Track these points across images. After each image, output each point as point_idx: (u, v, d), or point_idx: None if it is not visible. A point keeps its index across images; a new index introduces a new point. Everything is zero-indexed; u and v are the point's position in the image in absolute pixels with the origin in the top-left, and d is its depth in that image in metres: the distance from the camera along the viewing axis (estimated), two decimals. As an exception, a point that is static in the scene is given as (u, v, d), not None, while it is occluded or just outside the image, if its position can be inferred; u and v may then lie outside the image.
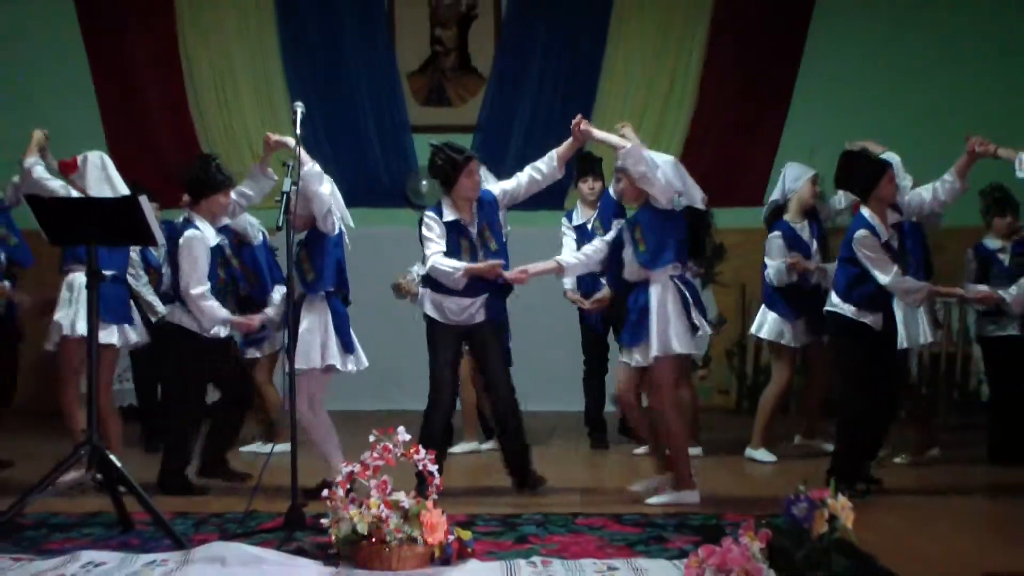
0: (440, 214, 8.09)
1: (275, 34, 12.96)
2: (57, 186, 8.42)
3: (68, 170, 8.38)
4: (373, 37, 13.03)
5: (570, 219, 10.00)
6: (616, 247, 7.99)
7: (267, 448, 9.63)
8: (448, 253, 7.98)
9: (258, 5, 12.97)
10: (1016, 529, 6.94)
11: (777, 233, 9.42)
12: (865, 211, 8.07)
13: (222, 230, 8.45)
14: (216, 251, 8.26)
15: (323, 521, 6.02)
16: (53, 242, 7.75)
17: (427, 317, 8.31)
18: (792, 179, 9.54)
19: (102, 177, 8.41)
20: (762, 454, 9.44)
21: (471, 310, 8.12)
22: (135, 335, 8.65)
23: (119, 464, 6.69)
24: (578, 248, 9.27)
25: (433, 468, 6.08)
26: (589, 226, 9.87)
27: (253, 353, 9.87)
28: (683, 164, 11.92)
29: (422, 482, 6.26)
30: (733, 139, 12.67)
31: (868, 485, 7.99)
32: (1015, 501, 7.92)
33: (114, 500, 6.79)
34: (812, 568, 5.68)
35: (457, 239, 8.06)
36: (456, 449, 9.87)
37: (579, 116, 8.02)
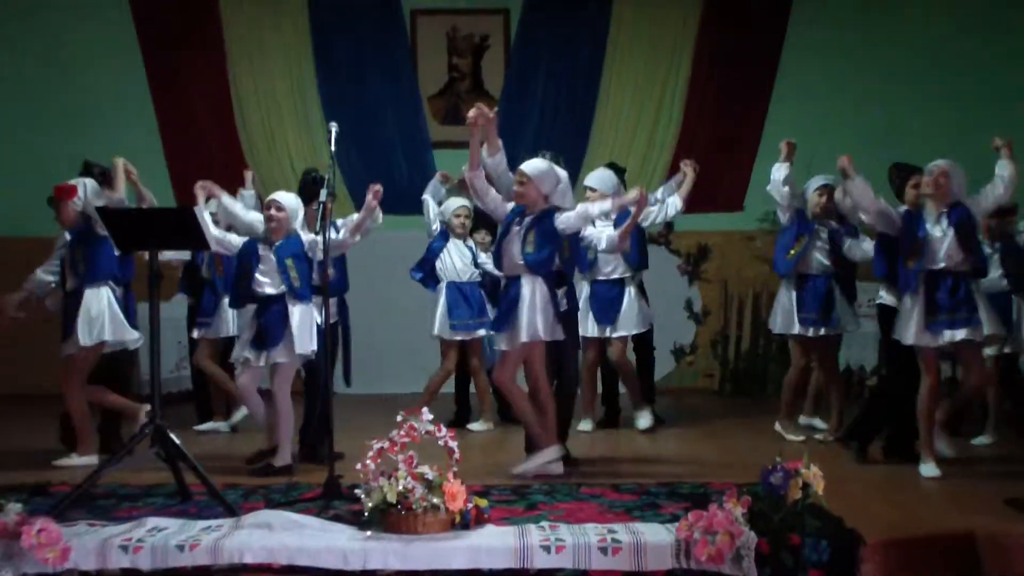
0: None
1: (312, 62, 12.99)
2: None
3: (67, 196, 8.33)
4: (398, 65, 13.06)
5: None
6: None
7: (225, 426, 9.81)
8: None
9: (297, 38, 13.02)
10: (970, 498, 6.95)
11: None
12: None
13: None
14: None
15: (357, 491, 6.04)
16: (121, 249, 7.78)
17: None
18: (808, 188, 9.42)
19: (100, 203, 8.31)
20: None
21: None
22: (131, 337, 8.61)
23: (179, 442, 6.75)
24: None
25: (453, 444, 6.10)
26: None
27: (197, 333, 9.79)
28: (670, 175, 12.09)
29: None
30: (715, 153, 12.63)
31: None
32: (972, 472, 7.94)
33: (174, 473, 6.85)
34: (787, 529, 5.71)
35: None
36: (473, 427, 9.92)
37: None
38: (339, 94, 12.71)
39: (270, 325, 7.86)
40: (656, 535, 5.79)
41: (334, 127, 7.35)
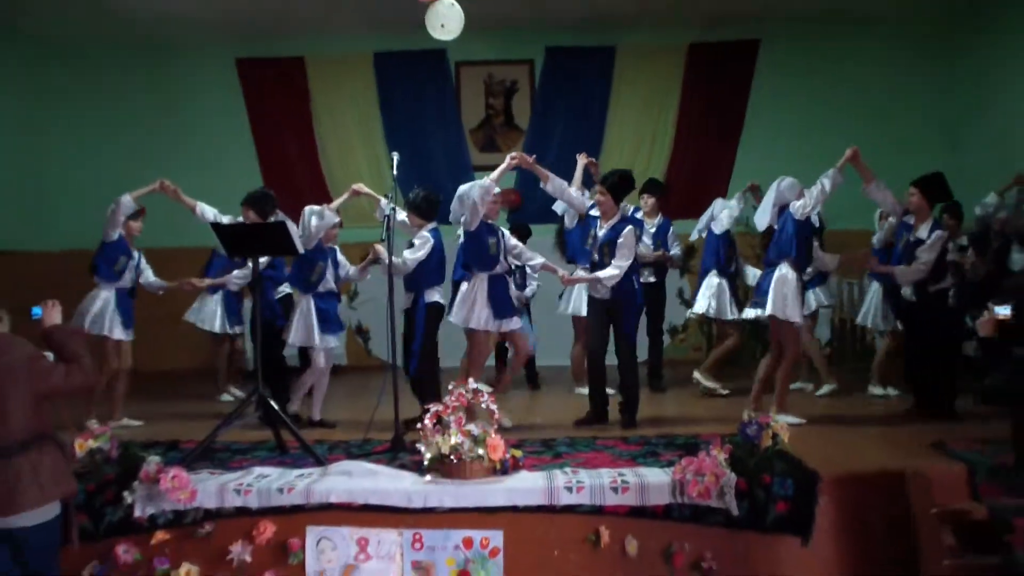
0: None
1: (377, 107, 13.01)
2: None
3: None
4: (445, 105, 13.08)
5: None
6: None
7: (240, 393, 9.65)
8: None
9: (366, 89, 13.07)
10: (903, 441, 6.92)
11: None
12: None
13: None
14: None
15: (418, 446, 6.09)
16: (231, 256, 7.86)
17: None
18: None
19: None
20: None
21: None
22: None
23: (277, 407, 6.79)
24: None
25: (494, 407, 6.10)
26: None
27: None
28: (666, 185, 12.06)
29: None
30: (699, 170, 12.63)
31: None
32: (904, 420, 7.91)
33: (274, 432, 6.91)
34: (760, 471, 5.75)
35: None
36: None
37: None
38: (399, 129, 12.72)
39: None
40: (656, 477, 5.83)
41: (396, 156, 7.40)
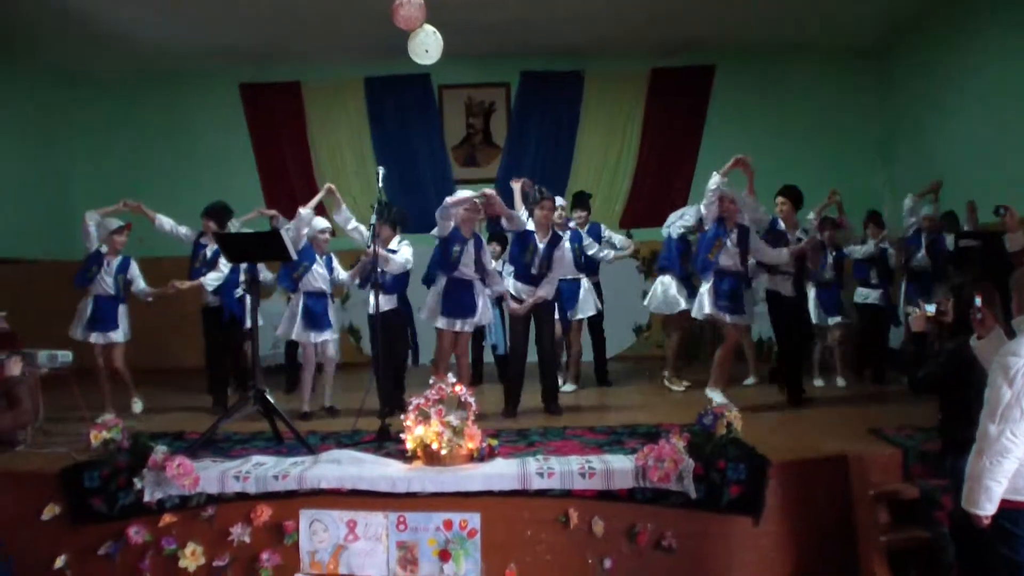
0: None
1: (368, 127, 12.93)
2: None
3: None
4: (429, 125, 13.00)
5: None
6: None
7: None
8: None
9: (357, 110, 12.99)
10: (843, 427, 6.94)
11: None
12: None
13: None
14: None
15: (402, 435, 6.08)
16: (231, 260, 7.86)
17: None
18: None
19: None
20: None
21: None
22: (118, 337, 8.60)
23: (273, 401, 6.76)
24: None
25: (471, 399, 6.09)
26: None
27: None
28: (630, 200, 12.11)
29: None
30: (661, 182, 12.62)
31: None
32: (844, 408, 7.94)
33: (270, 424, 6.88)
34: (716, 457, 5.75)
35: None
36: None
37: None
38: (388, 147, 12.66)
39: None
40: (621, 463, 5.83)
41: (382, 170, 7.42)
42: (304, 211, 8.17)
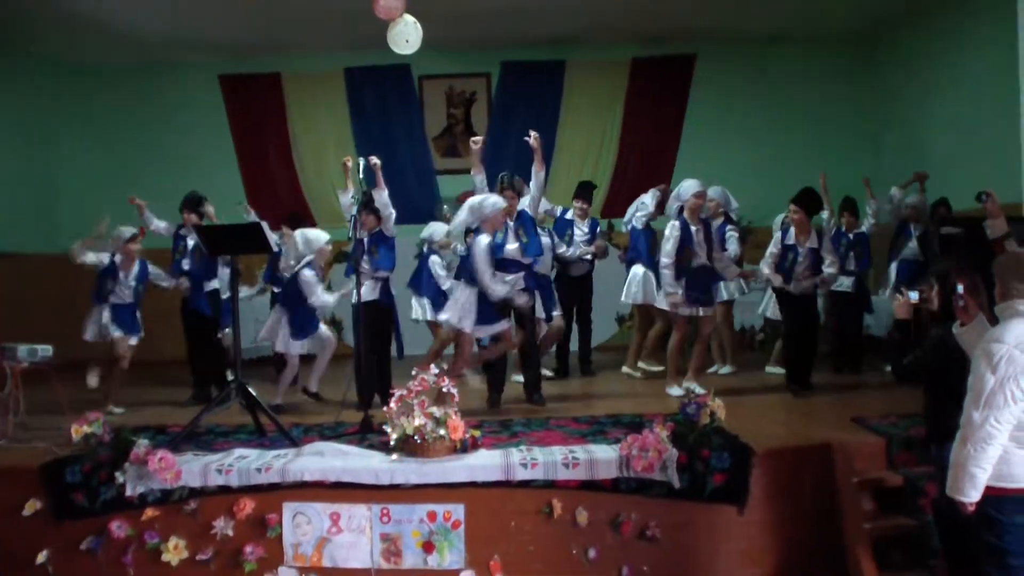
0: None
1: (348, 115, 12.92)
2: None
3: None
4: (410, 115, 12.99)
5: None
6: None
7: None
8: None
9: (338, 102, 12.98)
10: (827, 416, 6.97)
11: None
12: None
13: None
14: None
15: (385, 427, 6.05)
16: (211, 254, 7.81)
17: None
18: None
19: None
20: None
21: None
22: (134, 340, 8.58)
23: (255, 394, 6.71)
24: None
25: (454, 390, 6.07)
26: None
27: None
28: (611, 189, 12.11)
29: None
30: (642, 171, 12.56)
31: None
32: (827, 397, 7.96)
33: (253, 416, 6.84)
34: (700, 446, 5.75)
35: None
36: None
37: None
38: (369, 138, 12.60)
39: None
40: (605, 453, 5.82)
41: (362, 161, 7.43)
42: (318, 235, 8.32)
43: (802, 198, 8.17)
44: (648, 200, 9.54)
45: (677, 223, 8.15)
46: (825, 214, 8.66)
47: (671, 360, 8.37)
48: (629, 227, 9.76)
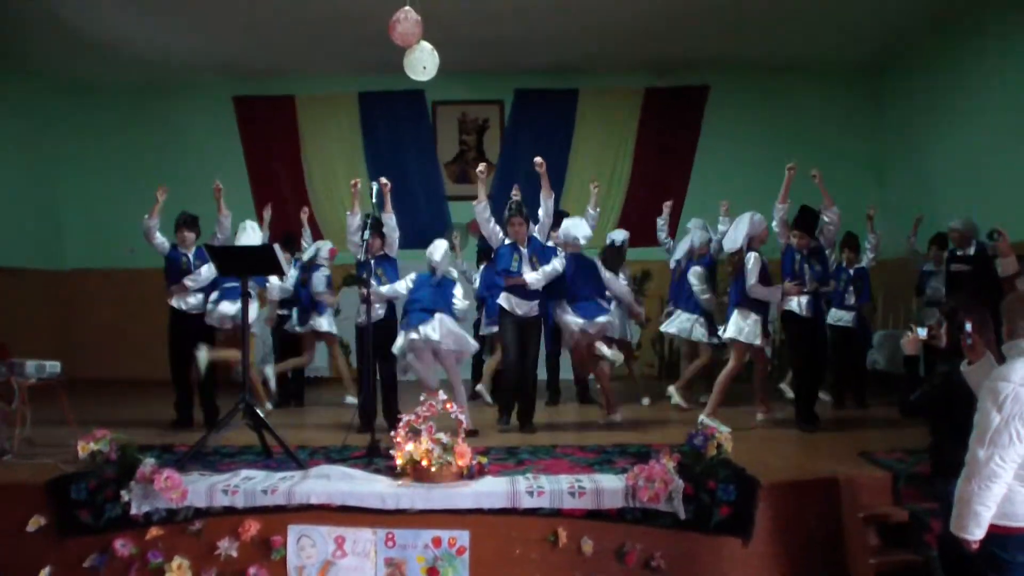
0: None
1: (360, 139, 13.04)
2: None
3: None
4: (423, 141, 13.09)
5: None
6: None
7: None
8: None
9: (350, 125, 13.10)
10: (834, 450, 6.96)
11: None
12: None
13: None
14: None
15: (392, 452, 6.07)
16: (222, 273, 7.84)
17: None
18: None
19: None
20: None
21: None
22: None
23: (263, 414, 6.73)
24: None
25: (463, 416, 6.10)
26: None
27: None
28: (622, 218, 12.17)
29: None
30: (653, 199, 12.57)
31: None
32: (834, 431, 7.95)
33: (259, 437, 6.85)
34: (706, 477, 5.74)
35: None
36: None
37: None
38: (380, 162, 12.68)
39: None
40: (611, 482, 5.81)
41: (375, 186, 7.51)
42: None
43: (800, 223, 8.27)
44: (698, 235, 9.73)
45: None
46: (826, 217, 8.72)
47: (720, 391, 8.31)
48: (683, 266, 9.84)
